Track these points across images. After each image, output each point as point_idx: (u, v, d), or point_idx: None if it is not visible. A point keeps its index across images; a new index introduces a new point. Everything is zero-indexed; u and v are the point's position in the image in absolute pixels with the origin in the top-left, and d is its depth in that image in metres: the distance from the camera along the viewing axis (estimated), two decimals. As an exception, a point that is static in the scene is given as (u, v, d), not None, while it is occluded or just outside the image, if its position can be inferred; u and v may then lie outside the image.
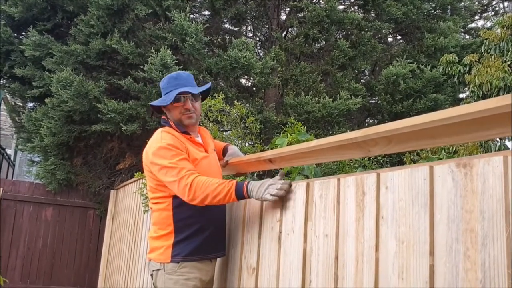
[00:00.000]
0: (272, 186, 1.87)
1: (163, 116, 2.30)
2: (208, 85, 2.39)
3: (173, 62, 5.13)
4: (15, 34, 6.69)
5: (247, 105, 6.05)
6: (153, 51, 5.21)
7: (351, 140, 1.51)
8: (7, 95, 7.69)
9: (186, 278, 2.01)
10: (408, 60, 6.67)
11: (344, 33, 7.18)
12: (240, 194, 1.92)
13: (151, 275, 2.12)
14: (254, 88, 7.03)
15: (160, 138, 2.09)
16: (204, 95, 2.39)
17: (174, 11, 5.48)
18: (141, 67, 5.34)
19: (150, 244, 2.17)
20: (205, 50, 5.83)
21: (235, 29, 7.54)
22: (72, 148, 6.36)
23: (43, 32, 6.17)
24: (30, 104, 7.13)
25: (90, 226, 6.83)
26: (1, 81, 7.08)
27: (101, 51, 5.72)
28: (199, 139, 2.29)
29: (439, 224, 1.18)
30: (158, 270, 2.06)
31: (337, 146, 1.61)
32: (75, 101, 5.49)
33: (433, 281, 1.17)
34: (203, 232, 2.10)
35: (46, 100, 5.85)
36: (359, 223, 1.48)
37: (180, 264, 2.03)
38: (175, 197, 2.08)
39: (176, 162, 2.00)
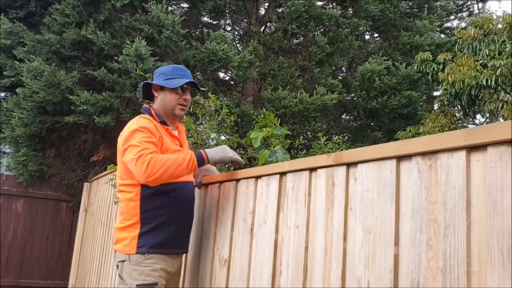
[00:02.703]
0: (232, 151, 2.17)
1: (144, 105, 2.29)
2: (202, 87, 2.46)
3: (148, 53, 5.07)
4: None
5: (225, 98, 6.03)
6: (128, 42, 5.14)
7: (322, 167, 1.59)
8: (-23, 84, 7.47)
9: (151, 269, 2.01)
10: (384, 57, 6.75)
11: (323, 29, 7.22)
12: (201, 159, 2.04)
13: (117, 266, 2.10)
14: (232, 82, 7.02)
15: (136, 121, 2.12)
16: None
17: (151, 2, 5.41)
18: (117, 58, 5.27)
19: (116, 235, 2.15)
20: (183, 42, 5.77)
21: (214, 22, 7.50)
22: (44, 139, 6.23)
23: (15, 20, 6.01)
24: (1, 94, 6.95)
25: (62, 219, 6.71)
26: (-29, 70, 6.87)
27: (75, 41, 5.60)
28: (176, 133, 2.29)
29: (405, 215, 1.21)
30: (123, 261, 2.04)
31: (309, 168, 1.66)
32: (46, 92, 5.37)
33: (398, 270, 1.20)
34: (170, 225, 2.09)
35: (17, 90, 5.71)
36: (328, 214, 1.50)
37: (146, 256, 2.02)
38: (143, 187, 2.07)
39: (142, 142, 2.01)
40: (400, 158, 1.26)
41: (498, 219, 0.97)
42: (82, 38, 5.51)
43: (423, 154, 1.18)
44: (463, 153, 1.08)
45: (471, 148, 1.06)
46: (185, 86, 2.22)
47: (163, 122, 2.21)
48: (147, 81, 2.30)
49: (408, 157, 1.23)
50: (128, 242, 2.04)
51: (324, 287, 1.45)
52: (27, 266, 6.39)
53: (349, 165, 1.45)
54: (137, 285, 1.97)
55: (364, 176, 1.38)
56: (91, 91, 5.41)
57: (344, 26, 6.73)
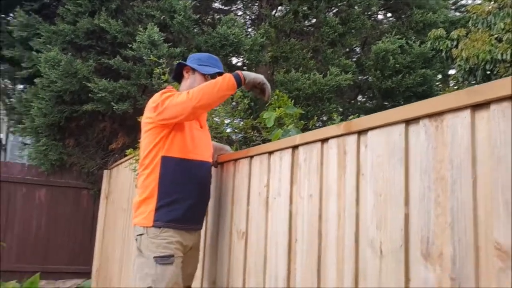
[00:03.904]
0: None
1: (168, 86, 2.42)
2: None
3: (161, 39, 5.12)
4: (3, 15, 6.63)
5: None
6: (141, 29, 5.20)
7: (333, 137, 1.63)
8: (-3, 78, 7.65)
9: (168, 241, 2.08)
10: (397, 36, 6.70)
11: (334, 10, 7.18)
12: (237, 77, 2.13)
13: (136, 239, 2.18)
14: (244, 67, 7.05)
15: (163, 90, 2.26)
16: None
17: (162, -12, 5.46)
18: (130, 45, 5.33)
19: (134, 210, 2.22)
20: (195, 29, 5.81)
21: (225, 8, 7.52)
22: (63, 129, 6.36)
23: (30, 12, 6.12)
24: (20, 86, 7.10)
25: (84, 206, 6.88)
26: (-10, 63, 7.03)
27: (89, 31, 5.68)
28: None
29: (413, 176, 1.25)
30: (141, 234, 2.12)
31: (320, 139, 1.70)
32: (63, 81, 5.48)
33: (408, 228, 1.25)
34: (185, 201, 2.16)
35: (35, 80, 5.84)
36: (341, 181, 1.55)
37: (162, 229, 2.09)
38: (164, 161, 2.14)
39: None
40: (408, 122, 1.29)
41: (502, 172, 1.01)
42: (95, 27, 5.59)
43: (430, 116, 1.21)
44: (467, 112, 1.11)
45: (475, 107, 1.09)
46: (215, 75, 2.31)
47: None
48: (181, 61, 2.40)
49: (415, 120, 1.27)
50: (146, 216, 2.12)
51: (338, 250, 1.50)
52: (51, 252, 6.58)
53: (359, 133, 1.50)
54: (154, 257, 2.05)
55: (374, 142, 1.42)
56: (107, 79, 5.51)
57: (355, 6, 6.68)
